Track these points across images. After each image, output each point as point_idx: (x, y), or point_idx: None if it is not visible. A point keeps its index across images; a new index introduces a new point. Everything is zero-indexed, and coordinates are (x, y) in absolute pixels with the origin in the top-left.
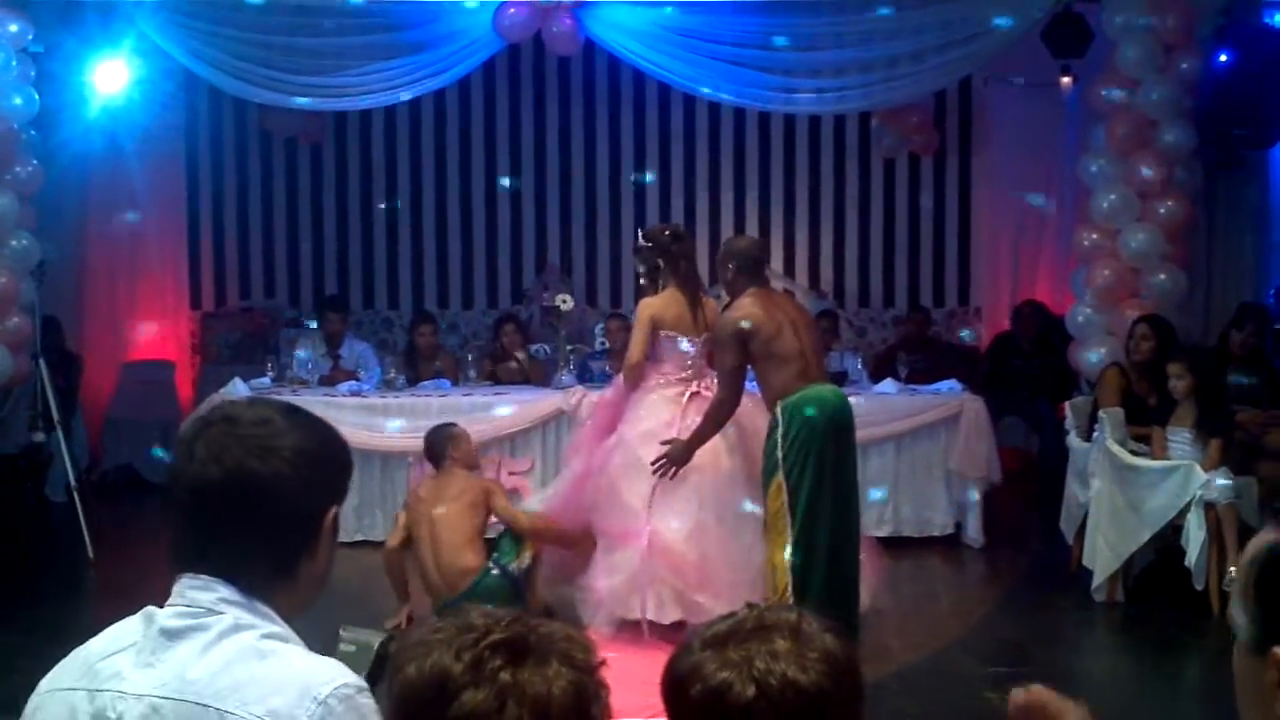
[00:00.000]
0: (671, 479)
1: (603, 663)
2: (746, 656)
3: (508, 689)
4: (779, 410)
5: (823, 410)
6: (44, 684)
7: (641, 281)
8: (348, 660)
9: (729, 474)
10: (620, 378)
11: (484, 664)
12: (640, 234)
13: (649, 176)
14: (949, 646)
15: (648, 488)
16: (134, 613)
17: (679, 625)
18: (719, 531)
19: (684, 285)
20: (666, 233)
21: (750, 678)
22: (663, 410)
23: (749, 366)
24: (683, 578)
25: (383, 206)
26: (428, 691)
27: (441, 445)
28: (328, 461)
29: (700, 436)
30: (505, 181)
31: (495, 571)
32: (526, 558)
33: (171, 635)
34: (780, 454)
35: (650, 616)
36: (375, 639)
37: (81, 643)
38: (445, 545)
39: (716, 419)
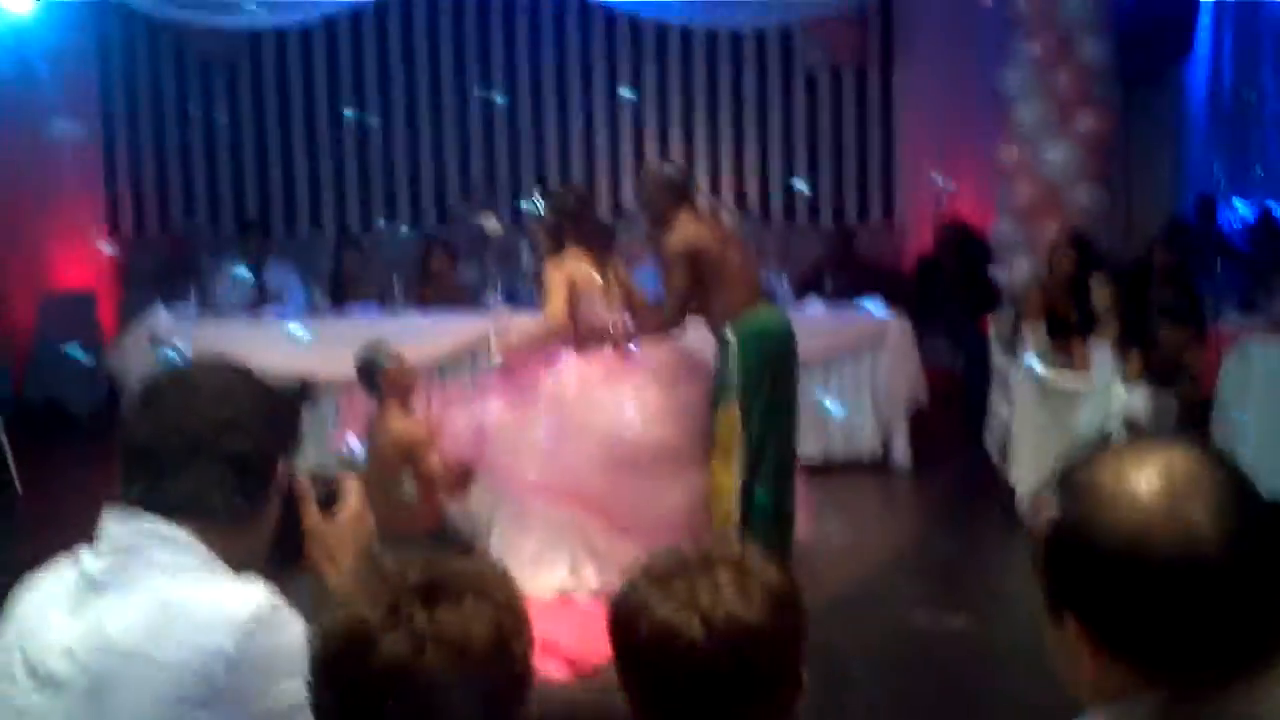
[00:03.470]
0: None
1: (522, 595)
2: (692, 593)
3: (424, 632)
4: (730, 332)
5: (773, 332)
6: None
7: (537, 243)
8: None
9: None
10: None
11: (399, 610)
12: (541, 196)
13: (573, 94)
14: (878, 569)
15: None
16: (63, 545)
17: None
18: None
19: (590, 246)
20: (572, 197)
21: (697, 615)
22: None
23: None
24: (600, 518)
25: (302, 127)
26: (346, 643)
27: (370, 372)
28: (281, 411)
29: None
30: (428, 96)
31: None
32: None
33: (95, 584)
34: (734, 377)
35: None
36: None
37: (11, 578)
38: (386, 495)
39: (652, 327)
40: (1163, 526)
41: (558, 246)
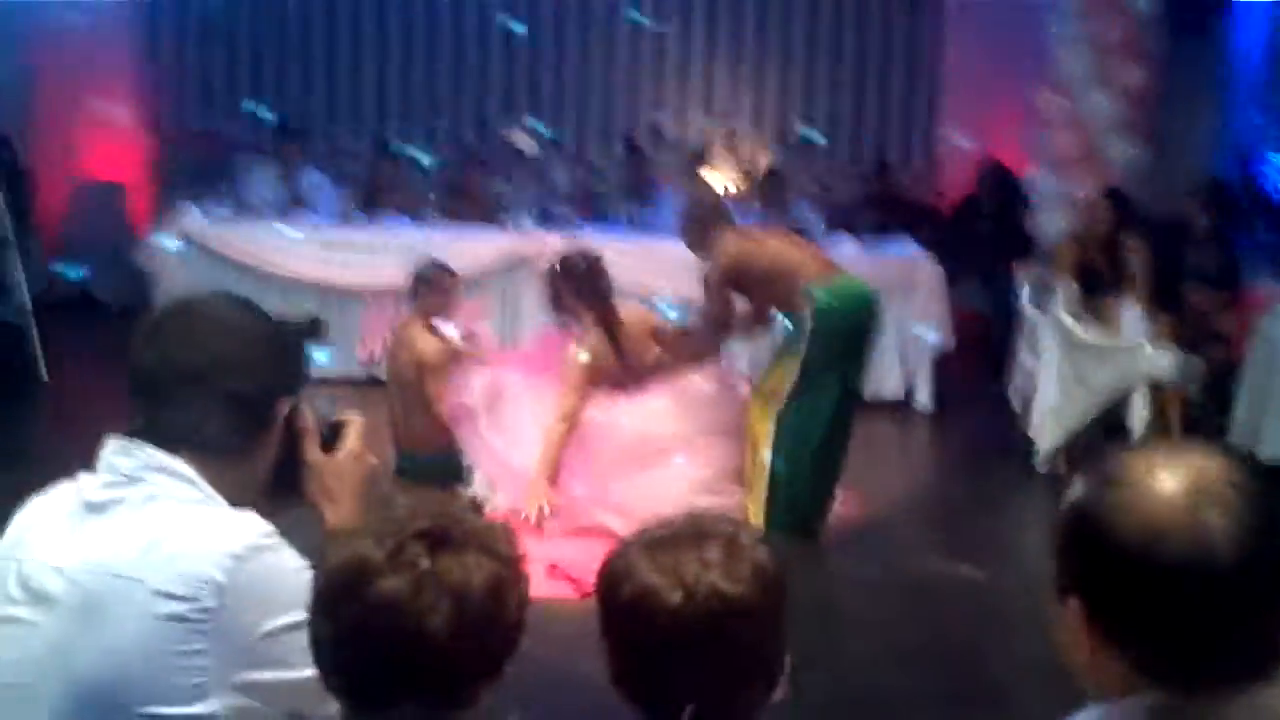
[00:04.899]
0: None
1: (524, 555)
2: (678, 562)
3: (425, 576)
4: (804, 294)
5: (853, 301)
6: None
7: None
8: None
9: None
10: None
11: (403, 552)
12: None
13: (620, 20)
14: (891, 510)
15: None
16: (84, 435)
17: None
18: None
19: (597, 310)
20: (584, 262)
21: (679, 583)
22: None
23: (754, 298)
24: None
25: (348, 34)
26: (347, 577)
27: (414, 284)
28: (285, 349)
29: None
30: (474, 11)
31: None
32: None
33: (93, 508)
34: (801, 339)
35: None
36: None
37: (37, 466)
38: (404, 407)
39: (688, 356)
40: (1180, 528)
41: (561, 309)
